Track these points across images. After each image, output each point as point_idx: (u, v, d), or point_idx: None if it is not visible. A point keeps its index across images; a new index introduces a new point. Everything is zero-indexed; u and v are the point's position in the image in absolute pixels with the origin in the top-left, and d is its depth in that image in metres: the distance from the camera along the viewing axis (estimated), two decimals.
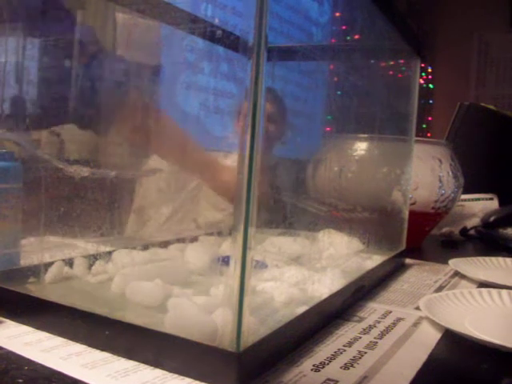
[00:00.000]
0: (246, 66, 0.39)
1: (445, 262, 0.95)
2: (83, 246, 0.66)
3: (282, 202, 0.69)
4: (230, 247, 0.41)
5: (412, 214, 0.98)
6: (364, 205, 0.83)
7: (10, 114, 0.64)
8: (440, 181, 1.11)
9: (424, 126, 3.94)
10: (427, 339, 0.54)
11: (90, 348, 0.46)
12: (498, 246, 1.23)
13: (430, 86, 4.12)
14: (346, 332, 0.55)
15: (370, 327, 0.57)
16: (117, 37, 0.80)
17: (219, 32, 0.70)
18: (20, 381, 0.39)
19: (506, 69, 4.02)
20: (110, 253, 0.65)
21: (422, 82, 3.85)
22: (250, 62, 0.39)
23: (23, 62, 0.64)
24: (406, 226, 0.96)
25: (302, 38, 0.73)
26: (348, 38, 0.84)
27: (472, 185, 1.28)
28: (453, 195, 1.14)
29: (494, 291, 0.69)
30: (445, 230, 1.39)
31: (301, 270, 0.64)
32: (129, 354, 0.44)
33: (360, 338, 0.54)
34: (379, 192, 0.91)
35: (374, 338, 0.54)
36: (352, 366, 0.46)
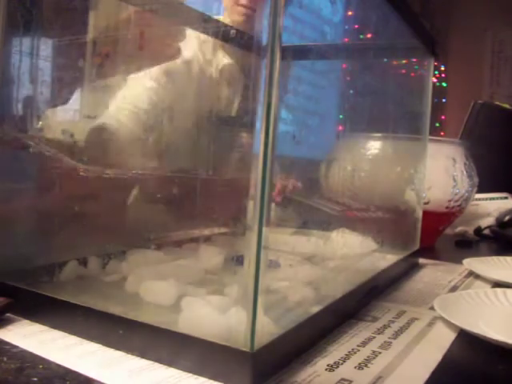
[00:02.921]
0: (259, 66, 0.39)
1: (459, 261, 0.94)
2: (97, 245, 0.66)
3: (296, 201, 0.69)
4: (244, 246, 0.41)
5: (426, 213, 0.98)
6: (377, 204, 0.83)
7: (24, 113, 0.65)
8: (454, 180, 1.11)
9: (437, 124, 3.92)
10: (442, 339, 0.54)
11: (104, 347, 0.46)
12: None
13: (444, 84, 4.10)
14: (360, 332, 0.55)
15: (384, 327, 0.57)
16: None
17: (233, 31, 0.70)
18: (35, 379, 0.39)
19: None
20: (123, 252, 0.65)
21: (435, 80, 3.83)
22: (264, 62, 0.39)
23: (37, 63, 0.64)
24: (419, 225, 0.95)
25: (315, 37, 0.73)
26: (361, 36, 0.84)
27: (486, 184, 1.27)
28: (467, 194, 1.13)
29: (508, 291, 0.68)
30: (459, 229, 1.38)
31: (314, 270, 0.64)
32: (143, 353, 0.44)
33: (374, 337, 0.53)
34: (393, 191, 0.91)
35: (389, 337, 0.54)
36: (366, 366, 0.46)
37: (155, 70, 0.87)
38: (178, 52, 0.88)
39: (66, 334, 0.48)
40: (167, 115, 0.85)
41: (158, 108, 0.85)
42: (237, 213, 0.61)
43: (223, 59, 0.97)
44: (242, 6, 1.01)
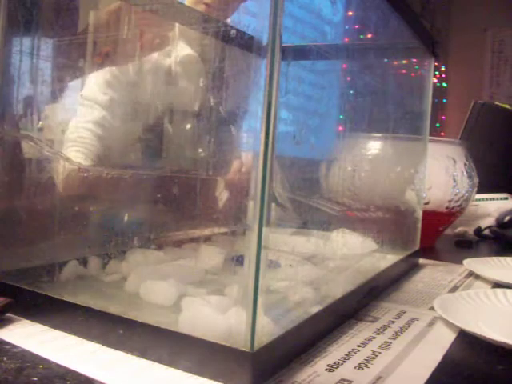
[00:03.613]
0: (260, 66, 0.39)
1: (459, 262, 0.94)
2: (97, 245, 0.66)
3: (296, 201, 0.69)
4: (244, 246, 0.41)
5: (426, 213, 0.98)
6: (378, 204, 0.83)
7: (25, 113, 0.65)
8: (454, 180, 1.11)
9: (438, 125, 3.92)
10: (442, 340, 0.54)
11: (104, 347, 0.46)
12: None
13: (444, 84, 4.10)
14: (360, 332, 0.55)
15: (384, 327, 0.57)
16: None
17: (233, 32, 0.70)
18: (35, 379, 0.39)
19: None
20: (123, 252, 0.65)
21: (435, 80, 3.83)
22: (264, 62, 0.39)
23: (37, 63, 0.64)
24: (419, 225, 0.95)
25: (315, 37, 0.73)
26: (361, 36, 0.83)
27: (486, 184, 1.27)
28: (467, 195, 1.13)
29: (508, 291, 0.68)
30: (459, 229, 1.39)
31: (314, 270, 0.64)
32: (143, 353, 0.44)
33: (374, 338, 0.53)
34: (393, 192, 0.91)
35: (388, 338, 0.54)
36: (366, 366, 0.46)
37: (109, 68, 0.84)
38: (167, 42, 0.86)
39: (66, 334, 0.48)
40: (123, 112, 0.84)
41: (113, 105, 0.83)
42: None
43: (183, 50, 0.94)
44: (206, 4, 0.98)
